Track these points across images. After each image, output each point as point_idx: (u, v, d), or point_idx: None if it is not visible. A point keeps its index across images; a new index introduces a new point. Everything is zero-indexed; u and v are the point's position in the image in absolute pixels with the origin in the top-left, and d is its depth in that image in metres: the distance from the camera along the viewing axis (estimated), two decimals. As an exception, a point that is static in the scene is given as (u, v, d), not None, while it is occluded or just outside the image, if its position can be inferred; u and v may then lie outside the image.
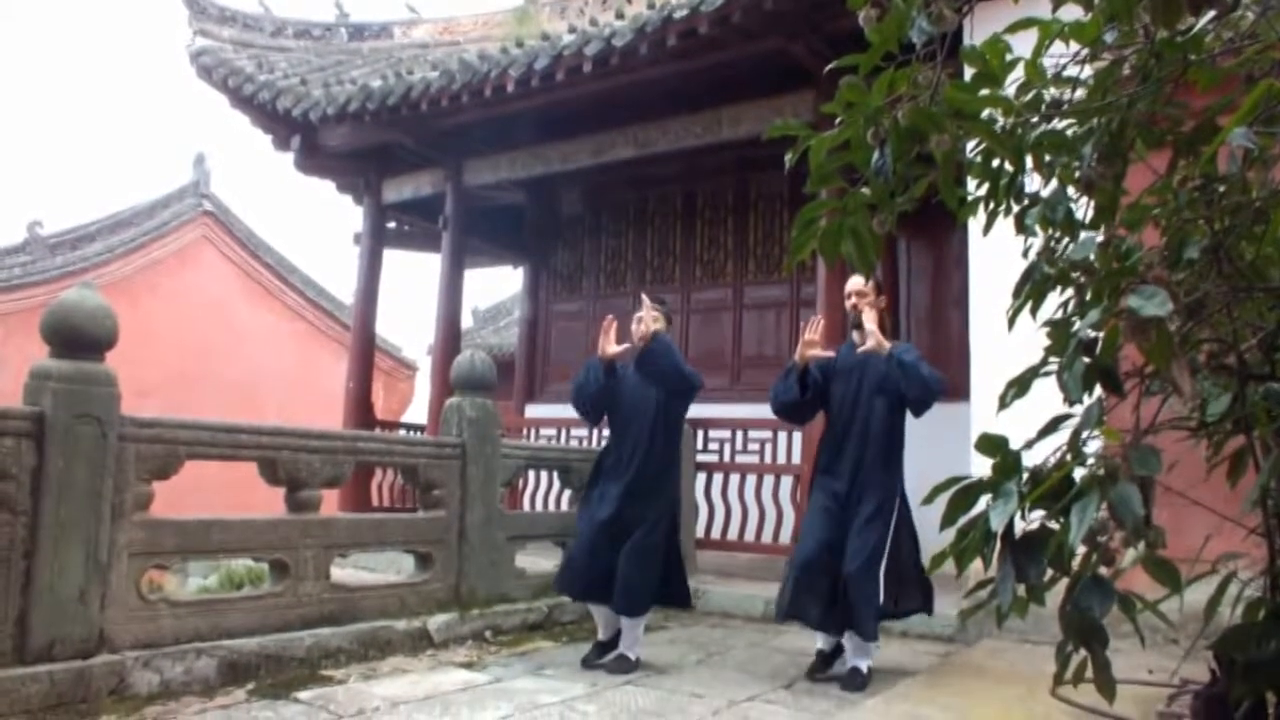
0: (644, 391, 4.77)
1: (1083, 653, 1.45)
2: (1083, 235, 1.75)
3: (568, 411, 9.40)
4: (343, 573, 5.17)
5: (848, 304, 4.49)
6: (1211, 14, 1.55)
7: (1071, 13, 1.72)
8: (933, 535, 1.78)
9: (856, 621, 4.12)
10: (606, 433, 5.02)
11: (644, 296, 4.76)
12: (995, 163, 1.79)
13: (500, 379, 6.03)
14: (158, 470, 3.94)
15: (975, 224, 1.92)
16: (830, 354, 4.45)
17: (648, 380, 4.73)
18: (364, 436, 5.77)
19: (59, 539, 3.49)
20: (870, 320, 4.22)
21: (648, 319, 4.59)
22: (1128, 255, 1.61)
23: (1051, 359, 1.62)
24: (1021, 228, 1.83)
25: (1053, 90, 1.81)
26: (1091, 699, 3.16)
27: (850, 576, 4.14)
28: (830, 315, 6.69)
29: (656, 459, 4.74)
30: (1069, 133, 1.78)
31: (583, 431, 8.64)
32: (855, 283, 4.43)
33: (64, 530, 3.51)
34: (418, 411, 17.89)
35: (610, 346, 4.70)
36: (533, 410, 10.53)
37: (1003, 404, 1.71)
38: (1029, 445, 1.55)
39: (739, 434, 7.56)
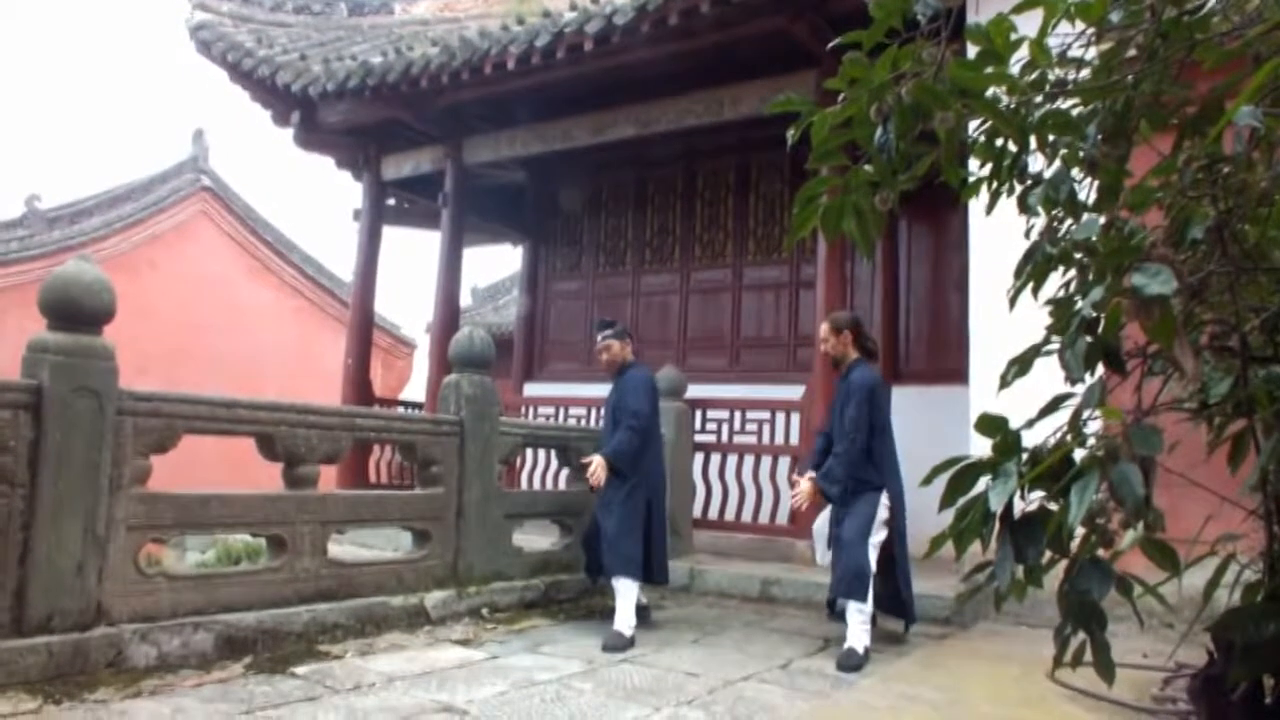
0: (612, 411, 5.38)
1: (1081, 635, 1.45)
2: (1086, 216, 1.74)
3: (566, 390, 9.53)
4: (340, 549, 5.18)
5: (823, 347, 5.03)
6: (1221, -8, 1.54)
7: (1078, -9, 1.70)
8: (931, 518, 1.78)
9: (845, 587, 4.44)
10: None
11: (597, 335, 5.47)
12: (999, 142, 1.78)
13: (499, 357, 6.02)
14: (156, 444, 3.93)
15: (977, 204, 1.91)
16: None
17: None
18: (362, 413, 5.75)
19: (57, 512, 3.49)
20: (804, 495, 4.80)
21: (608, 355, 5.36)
22: (1131, 236, 1.60)
23: (1053, 338, 1.62)
24: (1024, 208, 1.82)
25: (1058, 70, 1.79)
26: (1086, 681, 3.17)
27: (840, 548, 4.55)
28: (829, 295, 6.76)
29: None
30: (1074, 113, 1.76)
31: (580, 410, 8.65)
32: (823, 331, 5.01)
33: (62, 503, 3.50)
34: (416, 389, 17.88)
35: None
36: (531, 389, 10.53)
37: (1004, 383, 1.70)
38: (1029, 425, 1.55)
39: (737, 414, 7.56)
